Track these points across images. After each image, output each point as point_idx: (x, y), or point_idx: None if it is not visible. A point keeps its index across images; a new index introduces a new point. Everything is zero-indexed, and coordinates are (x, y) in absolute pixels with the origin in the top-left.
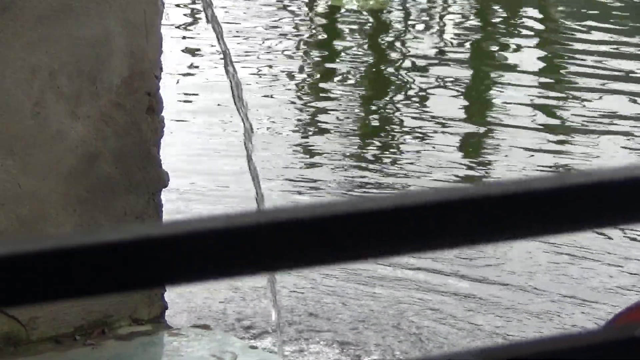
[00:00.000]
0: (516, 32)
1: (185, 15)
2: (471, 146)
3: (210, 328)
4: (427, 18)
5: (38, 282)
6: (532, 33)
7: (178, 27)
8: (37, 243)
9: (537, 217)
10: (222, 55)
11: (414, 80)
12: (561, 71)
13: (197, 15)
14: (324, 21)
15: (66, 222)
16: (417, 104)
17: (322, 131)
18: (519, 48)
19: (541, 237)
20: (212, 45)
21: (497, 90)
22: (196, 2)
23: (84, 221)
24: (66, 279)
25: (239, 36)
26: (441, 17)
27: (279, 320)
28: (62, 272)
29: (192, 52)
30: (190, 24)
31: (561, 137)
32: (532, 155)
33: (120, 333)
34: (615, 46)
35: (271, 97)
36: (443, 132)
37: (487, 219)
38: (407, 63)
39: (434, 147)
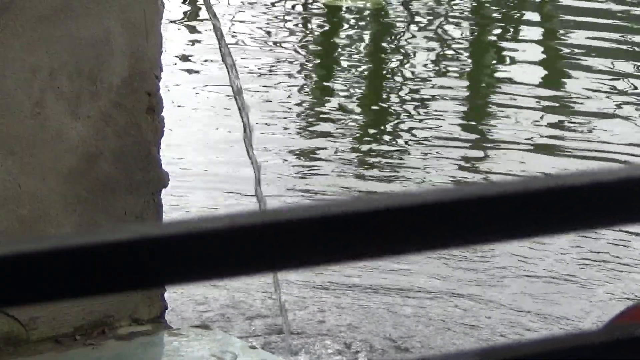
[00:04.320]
0: (517, 30)
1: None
2: (472, 147)
3: (210, 328)
4: (428, 18)
5: (38, 282)
6: (533, 30)
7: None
8: (37, 243)
9: (536, 217)
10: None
11: (413, 84)
12: (563, 70)
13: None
14: (322, 20)
15: (66, 222)
16: (417, 106)
17: (322, 134)
18: (520, 47)
19: (541, 237)
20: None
21: (498, 90)
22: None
23: (84, 221)
24: (66, 279)
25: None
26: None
27: (286, 321)
28: (62, 272)
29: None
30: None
31: (563, 136)
32: (529, 156)
33: (120, 333)
34: (618, 46)
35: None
36: (443, 133)
37: (486, 219)
38: (407, 64)
39: (434, 147)
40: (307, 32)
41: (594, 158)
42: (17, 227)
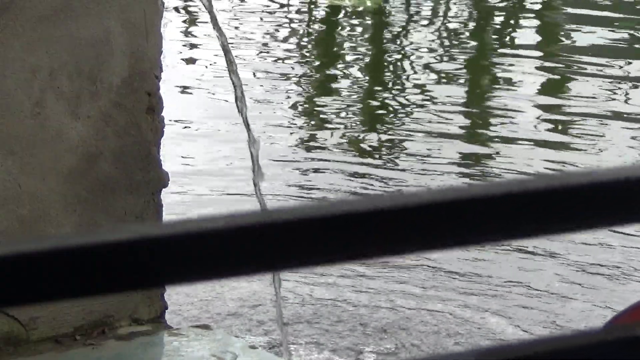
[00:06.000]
0: (517, 26)
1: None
2: (472, 146)
3: (210, 328)
4: (429, 16)
5: (38, 282)
6: (533, 27)
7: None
8: (37, 243)
9: (537, 217)
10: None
11: (414, 80)
12: (563, 69)
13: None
14: (322, 21)
15: (66, 222)
16: (417, 104)
17: (321, 134)
18: (519, 46)
19: (541, 237)
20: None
21: (499, 88)
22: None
23: (84, 221)
24: (66, 279)
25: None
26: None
27: (282, 321)
28: (62, 272)
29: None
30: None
31: (562, 136)
32: (532, 156)
33: (120, 333)
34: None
35: (269, 101)
36: (443, 132)
37: (486, 219)
38: (406, 62)
39: (434, 146)
40: (309, 29)
41: (595, 116)
42: (17, 227)
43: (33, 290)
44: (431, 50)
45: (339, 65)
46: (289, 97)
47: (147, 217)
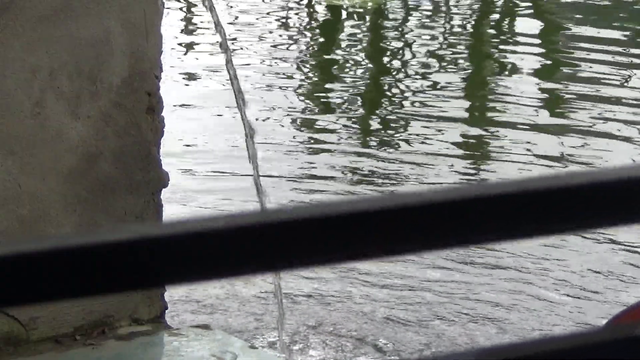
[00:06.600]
0: (516, 26)
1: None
2: (471, 145)
3: (210, 328)
4: (427, 18)
5: (38, 282)
6: (533, 28)
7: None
8: (37, 243)
9: (536, 217)
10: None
11: (414, 80)
12: (562, 69)
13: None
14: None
15: (66, 222)
16: (417, 103)
17: (321, 131)
18: (519, 42)
19: (541, 237)
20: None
21: (498, 88)
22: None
23: (84, 221)
24: (66, 279)
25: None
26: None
27: (282, 319)
28: (62, 272)
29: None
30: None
31: (563, 136)
32: (532, 155)
33: (120, 333)
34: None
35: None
36: (443, 132)
37: (486, 219)
38: (406, 61)
39: (433, 147)
40: (308, 29)
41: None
42: (17, 227)
43: (33, 290)
44: (433, 37)
45: (339, 55)
46: (288, 93)
47: (147, 217)
